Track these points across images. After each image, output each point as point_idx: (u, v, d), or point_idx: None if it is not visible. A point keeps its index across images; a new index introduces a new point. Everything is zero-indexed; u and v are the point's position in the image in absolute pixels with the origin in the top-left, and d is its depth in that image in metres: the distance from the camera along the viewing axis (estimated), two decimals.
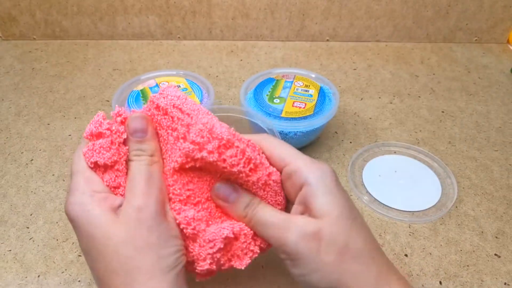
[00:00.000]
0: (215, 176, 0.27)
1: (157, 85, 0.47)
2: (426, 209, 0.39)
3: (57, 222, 0.37)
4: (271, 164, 0.27)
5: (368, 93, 0.55)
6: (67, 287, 0.32)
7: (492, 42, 0.68)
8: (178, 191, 0.26)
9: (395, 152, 0.45)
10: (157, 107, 0.27)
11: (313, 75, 0.49)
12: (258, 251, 0.27)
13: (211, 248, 0.25)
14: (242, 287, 0.32)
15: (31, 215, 0.38)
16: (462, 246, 0.35)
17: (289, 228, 0.24)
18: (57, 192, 0.40)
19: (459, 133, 0.48)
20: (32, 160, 0.44)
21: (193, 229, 0.25)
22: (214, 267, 0.26)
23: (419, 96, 0.55)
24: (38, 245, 0.35)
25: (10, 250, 0.35)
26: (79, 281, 0.32)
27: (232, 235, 0.26)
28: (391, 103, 0.53)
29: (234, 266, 0.26)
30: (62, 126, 0.49)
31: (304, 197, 0.25)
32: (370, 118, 0.50)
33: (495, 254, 0.35)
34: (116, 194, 0.26)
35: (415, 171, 0.43)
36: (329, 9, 0.64)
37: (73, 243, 0.35)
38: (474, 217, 0.38)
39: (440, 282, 0.32)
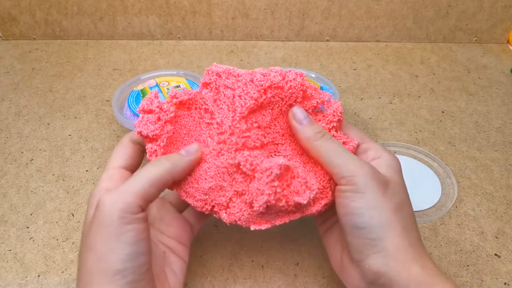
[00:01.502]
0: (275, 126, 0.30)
1: (157, 85, 0.47)
2: (426, 209, 0.39)
3: (57, 222, 0.37)
4: (353, 134, 0.30)
5: (368, 93, 0.55)
6: (67, 287, 0.32)
7: (492, 42, 0.68)
8: (235, 140, 0.28)
9: (395, 152, 0.45)
10: (218, 74, 0.30)
11: (313, 75, 0.49)
12: (317, 189, 0.27)
13: (268, 176, 0.26)
14: (242, 287, 0.32)
15: (31, 215, 0.38)
16: (462, 246, 0.35)
17: (362, 164, 0.26)
18: (57, 192, 0.40)
19: (459, 133, 0.48)
20: (32, 160, 0.44)
21: (251, 164, 0.26)
22: (273, 200, 0.26)
23: (419, 96, 0.55)
24: (38, 245, 0.35)
25: (10, 250, 0.35)
26: None
27: (288, 163, 0.26)
28: (391, 103, 0.53)
29: (296, 200, 0.27)
30: (62, 126, 0.49)
31: (375, 164, 0.27)
32: (370, 118, 0.50)
33: (495, 254, 0.35)
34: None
35: (415, 171, 0.43)
36: (329, 9, 0.64)
37: (73, 243, 0.35)
38: (474, 217, 0.38)
39: None
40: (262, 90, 0.28)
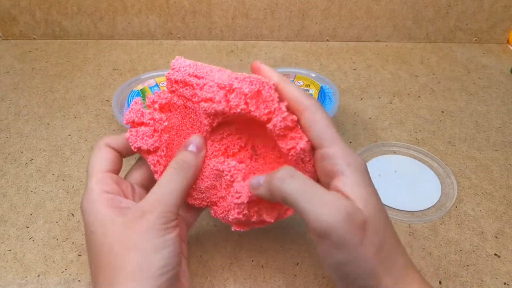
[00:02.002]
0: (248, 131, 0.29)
1: (156, 85, 0.47)
2: (425, 209, 0.39)
3: (57, 222, 0.37)
4: (309, 138, 0.26)
5: (368, 93, 0.55)
6: (67, 286, 0.32)
7: (492, 42, 0.68)
8: (218, 146, 0.28)
9: (394, 152, 0.45)
10: (176, 82, 0.28)
11: (313, 75, 0.49)
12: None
13: (237, 198, 0.26)
14: (242, 287, 0.32)
15: (31, 214, 0.38)
16: (462, 246, 0.35)
17: (335, 209, 0.22)
18: (57, 192, 0.40)
19: (459, 133, 0.48)
20: (32, 159, 0.44)
21: (231, 176, 0.27)
22: (242, 218, 0.27)
23: (419, 96, 0.55)
24: (38, 245, 0.35)
25: (10, 250, 0.35)
26: (79, 280, 0.32)
27: (259, 192, 0.26)
28: (391, 103, 0.53)
29: (264, 219, 0.27)
30: (62, 126, 0.49)
31: (341, 186, 0.23)
32: (369, 118, 0.50)
33: (495, 254, 0.35)
34: (156, 173, 0.28)
35: (415, 171, 0.43)
36: (329, 9, 0.64)
37: (73, 242, 0.35)
38: (474, 217, 0.38)
39: (440, 282, 0.32)
40: (211, 116, 0.27)
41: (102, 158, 0.27)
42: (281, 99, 0.26)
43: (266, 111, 0.25)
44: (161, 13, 0.64)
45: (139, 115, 0.28)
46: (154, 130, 0.28)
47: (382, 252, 0.23)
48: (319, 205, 0.22)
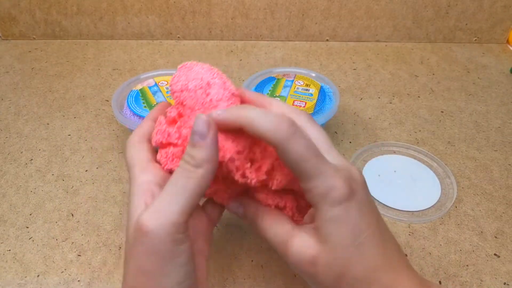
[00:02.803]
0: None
1: (156, 85, 0.47)
2: (425, 209, 0.39)
3: (56, 222, 0.37)
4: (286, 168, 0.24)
5: (367, 93, 0.55)
6: (66, 286, 0.32)
7: (492, 42, 0.68)
8: None
9: (394, 152, 0.45)
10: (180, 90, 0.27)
11: (314, 74, 0.49)
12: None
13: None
14: (242, 287, 0.32)
15: (30, 214, 0.38)
16: (461, 246, 0.35)
17: (289, 247, 0.24)
18: (57, 192, 0.40)
19: (458, 133, 0.48)
20: (31, 159, 0.44)
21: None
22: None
23: (419, 96, 0.55)
24: (37, 245, 0.35)
25: (9, 250, 0.35)
26: (78, 280, 0.32)
27: None
28: (390, 103, 0.53)
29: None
30: (61, 126, 0.49)
31: (314, 216, 0.23)
32: (369, 118, 0.50)
33: (495, 254, 0.35)
34: None
35: (415, 171, 0.43)
36: (329, 9, 0.64)
37: (72, 242, 0.35)
38: (473, 217, 0.38)
39: (440, 282, 0.32)
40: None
41: (141, 149, 0.26)
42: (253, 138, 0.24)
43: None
44: (161, 13, 0.64)
45: (165, 136, 0.26)
46: (183, 151, 0.25)
47: (343, 280, 0.23)
48: (276, 243, 0.25)
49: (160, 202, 0.22)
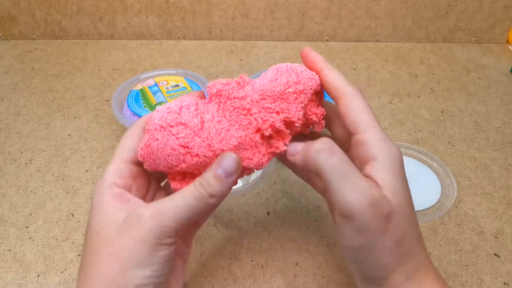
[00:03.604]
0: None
1: (156, 85, 0.47)
2: (425, 209, 0.39)
3: (56, 222, 0.37)
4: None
5: (367, 93, 0.55)
6: (66, 286, 0.32)
7: (492, 42, 0.68)
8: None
9: None
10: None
11: None
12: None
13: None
14: (242, 287, 0.32)
15: (30, 214, 0.38)
16: (461, 246, 0.35)
17: (362, 195, 0.22)
18: (57, 192, 0.40)
19: (458, 133, 0.48)
20: (31, 159, 0.44)
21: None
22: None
23: (419, 96, 0.55)
24: (37, 245, 0.35)
25: (9, 250, 0.35)
26: None
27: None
28: (390, 103, 0.53)
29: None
30: (61, 126, 0.49)
31: (372, 172, 0.23)
32: None
33: (495, 254, 0.35)
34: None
35: (415, 171, 0.43)
36: (329, 9, 0.64)
37: (72, 242, 0.35)
38: (473, 217, 0.38)
39: None
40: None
41: (130, 143, 0.25)
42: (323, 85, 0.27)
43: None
44: (160, 13, 0.64)
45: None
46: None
47: (401, 246, 0.23)
48: (349, 188, 0.22)
49: (165, 207, 0.23)
